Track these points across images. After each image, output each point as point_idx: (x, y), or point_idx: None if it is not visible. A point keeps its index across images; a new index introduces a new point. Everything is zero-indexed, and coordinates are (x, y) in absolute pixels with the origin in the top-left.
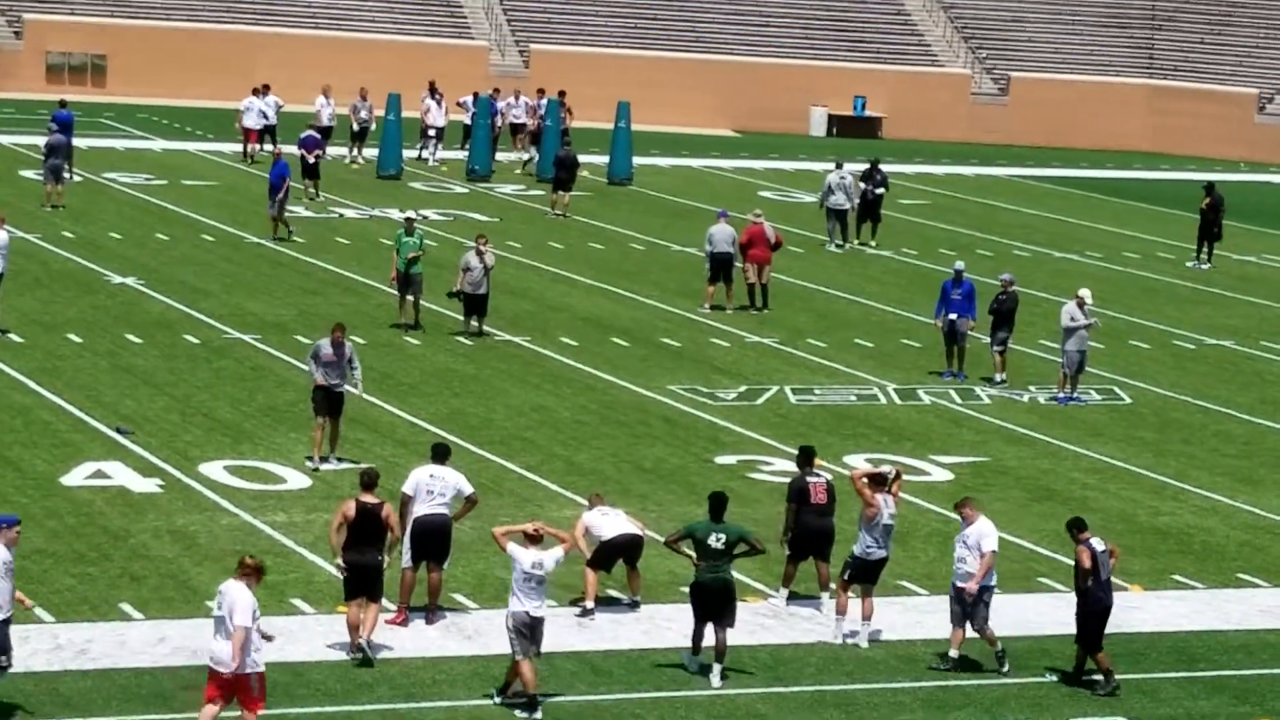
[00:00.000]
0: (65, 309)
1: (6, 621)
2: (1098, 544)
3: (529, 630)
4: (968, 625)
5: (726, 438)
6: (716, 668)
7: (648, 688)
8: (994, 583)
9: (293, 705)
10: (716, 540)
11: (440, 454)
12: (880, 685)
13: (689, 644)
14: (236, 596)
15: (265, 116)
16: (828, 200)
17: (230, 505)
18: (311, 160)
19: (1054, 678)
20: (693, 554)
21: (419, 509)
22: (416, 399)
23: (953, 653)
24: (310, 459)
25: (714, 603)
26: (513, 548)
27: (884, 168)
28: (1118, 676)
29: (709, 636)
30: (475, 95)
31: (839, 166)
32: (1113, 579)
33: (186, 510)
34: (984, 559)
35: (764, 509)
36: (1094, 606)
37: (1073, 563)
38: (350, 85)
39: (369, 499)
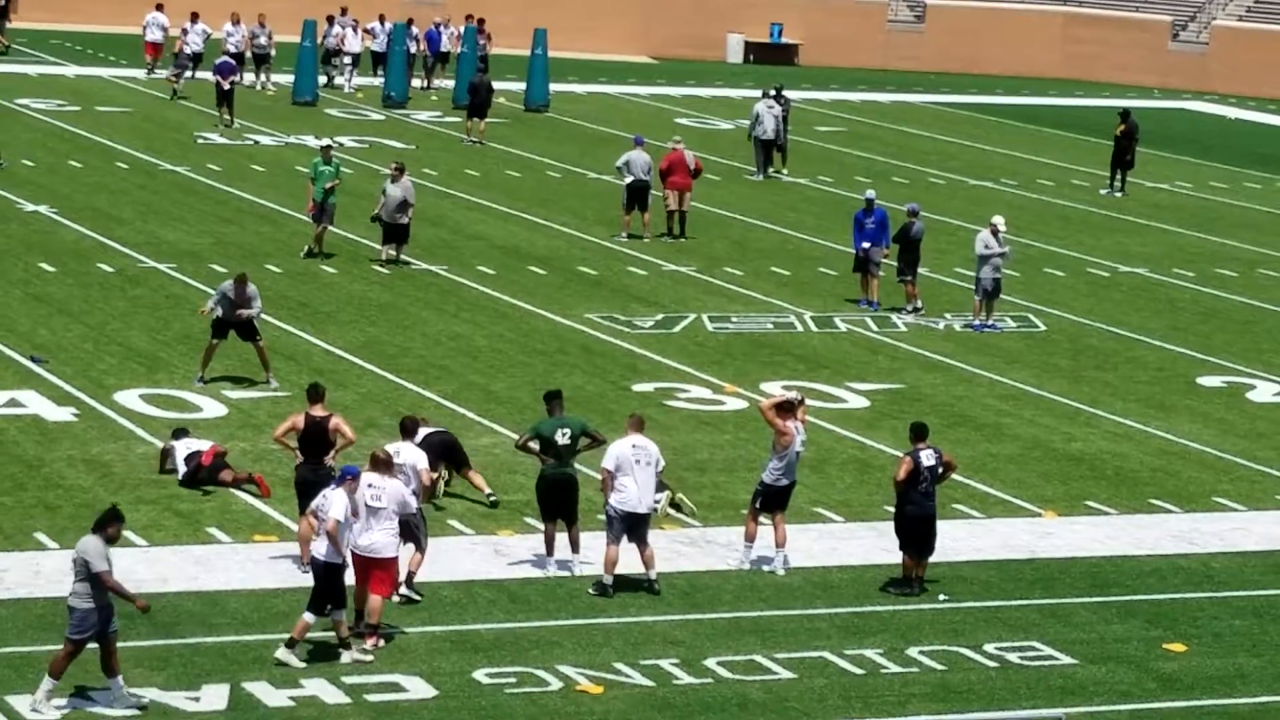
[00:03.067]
0: None
1: (343, 568)
2: (927, 457)
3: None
4: (621, 547)
5: (644, 365)
6: (575, 558)
7: (565, 615)
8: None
9: (209, 634)
10: (563, 435)
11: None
12: (796, 612)
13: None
14: (397, 489)
15: (162, 32)
16: (755, 129)
17: (145, 434)
18: (226, 86)
19: (971, 603)
20: (539, 451)
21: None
22: (333, 327)
23: (606, 578)
24: (199, 376)
25: (560, 496)
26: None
27: (798, 94)
28: (1031, 602)
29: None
30: (381, 19)
31: (765, 95)
32: (937, 489)
33: (101, 439)
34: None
35: (680, 436)
36: (905, 511)
37: (985, 488)
38: (267, 10)
39: (318, 411)
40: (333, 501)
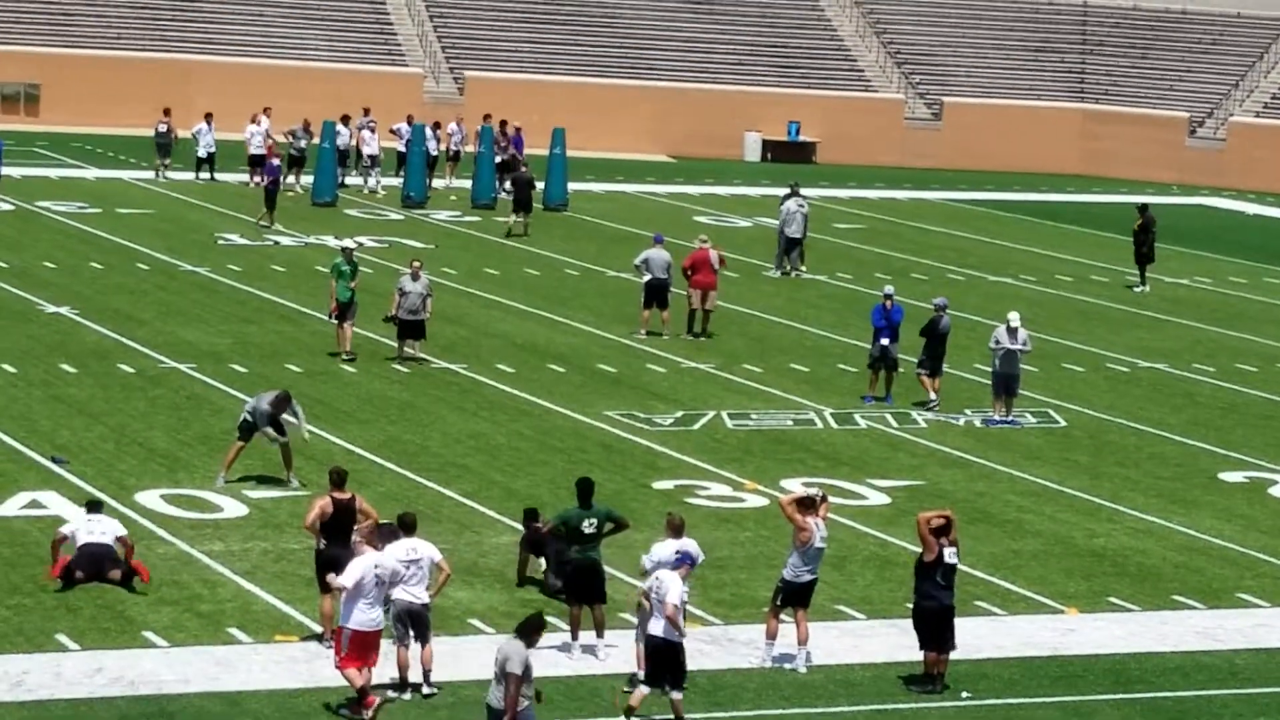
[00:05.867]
0: None
1: (679, 647)
2: (950, 555)
3: (410, 618)
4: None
5: (663, 463)
6: (600, 643)
7: (587, 714)
8: None
9: None
10: (589, 526)
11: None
12: (819, 710)
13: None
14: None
15: (197, 142)
16: (786, 227)
17: (166, 534)
18: (266, 184)
19: (992, 700)
20: (565, 538)
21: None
22: (353, 426)
23: (640, 674)
24: (221, 477)
25: (586, 580)
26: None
27: (816, 192)
28: (1054, 699)
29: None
30: (409, 119)
31: (794, 193)
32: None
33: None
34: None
35: (701, 533)
36: (922, 605)
37: (1006, 584)
38: (286, 113)
39: (341, 495)
40: (670, 587)
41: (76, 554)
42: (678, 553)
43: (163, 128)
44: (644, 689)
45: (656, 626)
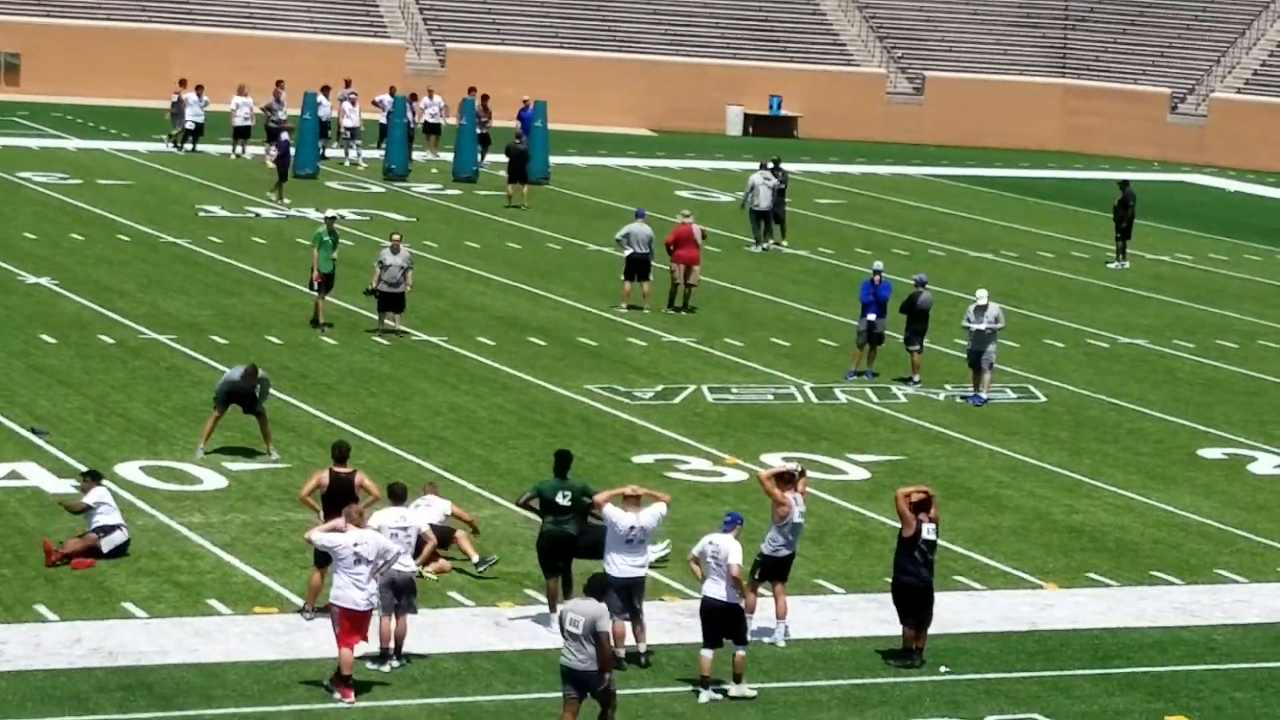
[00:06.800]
0: None
1: (739, 608)
2: (928, 531)
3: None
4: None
5: (644, 437)
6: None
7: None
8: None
9: (209, 706)
10: (563, 497)
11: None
12: (797, 684)
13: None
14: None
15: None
16: (750, 200)
17: (146, 506)
18: (275, 158)
19: (970, 675)
20: (539, 510)
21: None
22: (333, 398)
23: (618, 651)
24: (200, 448)
25: (559, 553)
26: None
27: (797, 166)
28: (1032, 674)
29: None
30: (391, 91)
31: (762, 167)
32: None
33: None
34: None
35: (680, 507)
36: (901, 580)
37: (985, 559)
38: (266, 84)
39: (341, 469)
40: (729, 549)
41: (105, 530)
42: (646, 519)
43: (176, 97)
44: (706, 654)
45: (716, 589)
